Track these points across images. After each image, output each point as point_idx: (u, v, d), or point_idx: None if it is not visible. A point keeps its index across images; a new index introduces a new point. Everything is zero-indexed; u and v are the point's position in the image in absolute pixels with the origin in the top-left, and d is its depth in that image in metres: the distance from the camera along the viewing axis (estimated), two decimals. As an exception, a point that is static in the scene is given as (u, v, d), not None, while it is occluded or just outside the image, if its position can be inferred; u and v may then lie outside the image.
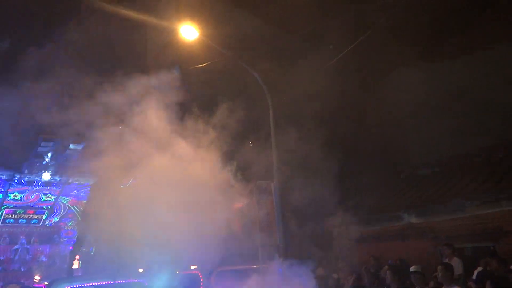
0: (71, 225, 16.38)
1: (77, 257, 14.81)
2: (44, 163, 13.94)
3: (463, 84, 10.99)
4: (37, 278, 12.01)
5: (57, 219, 16.26)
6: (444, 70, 11.29)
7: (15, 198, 15.04)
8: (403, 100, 10.54)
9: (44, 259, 15.59)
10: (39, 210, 15.83)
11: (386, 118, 10.25)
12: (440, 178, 11.30)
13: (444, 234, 9.52)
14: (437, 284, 5.99)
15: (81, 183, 15.24)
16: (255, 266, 6.99)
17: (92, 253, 13.00)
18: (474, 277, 6.45)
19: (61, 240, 16.16)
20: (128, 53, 7.06)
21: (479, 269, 6.83)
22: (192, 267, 7.48)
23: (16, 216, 15.57)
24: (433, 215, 9.90)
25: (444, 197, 9.99)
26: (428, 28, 9.91)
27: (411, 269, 5.78)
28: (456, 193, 9.83)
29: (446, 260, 7.55)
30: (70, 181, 14.89)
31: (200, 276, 6.93)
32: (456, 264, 7.43)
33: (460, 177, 10.64)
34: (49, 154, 13.76)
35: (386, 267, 7.37)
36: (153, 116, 6.90)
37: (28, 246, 15.62)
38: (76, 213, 16.29)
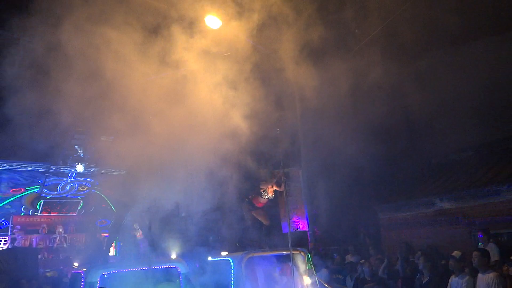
0: (105, 214, 16.95)
1: (113, 244, 15.39)
2: (77, 155, 14.42)
3: (497, 68, 10.58)
4: (75, 264, 12.56)
5: (92, 208, 16.87)
6: (478, 55, 10.90)
7: (51, 189, 15.71)
8: (435, 86, 10.25)
9: (81, 246, 16.23)
10: (74, 200, 16.47)
11: (417, 104, 9.99)
12: (473, 163, 10.99)
13: (478, 219, 9.28)
14: (473, 270, 5.88)
15: (114, 173, 15.69)
16: (285, 252, 7.02)
17: (127, 240, 13.45)
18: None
19: (97, 228, 16.78)
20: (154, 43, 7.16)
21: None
22: (223, 253, 7.59)
23: (53, 207, 16.28)
24: (467, 201, 9.65)
25: (478, 182, 9.71)
26: (461, 13, 9.49)
27: (452, 254, 5.72)
28: (491, 178, 9.53)
29: (482, 246, 7.39)
30: (103, 172, 15.36)
31: (231, 263, 7.01)
32: (492, 250, 7.25)
33: (494, 162, 10.32)
34: (82, 146, 14.22)
35: (419, 252, 7.28)
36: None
37: (65, 235, 16.32)
38: (110, 202, 16.83)
